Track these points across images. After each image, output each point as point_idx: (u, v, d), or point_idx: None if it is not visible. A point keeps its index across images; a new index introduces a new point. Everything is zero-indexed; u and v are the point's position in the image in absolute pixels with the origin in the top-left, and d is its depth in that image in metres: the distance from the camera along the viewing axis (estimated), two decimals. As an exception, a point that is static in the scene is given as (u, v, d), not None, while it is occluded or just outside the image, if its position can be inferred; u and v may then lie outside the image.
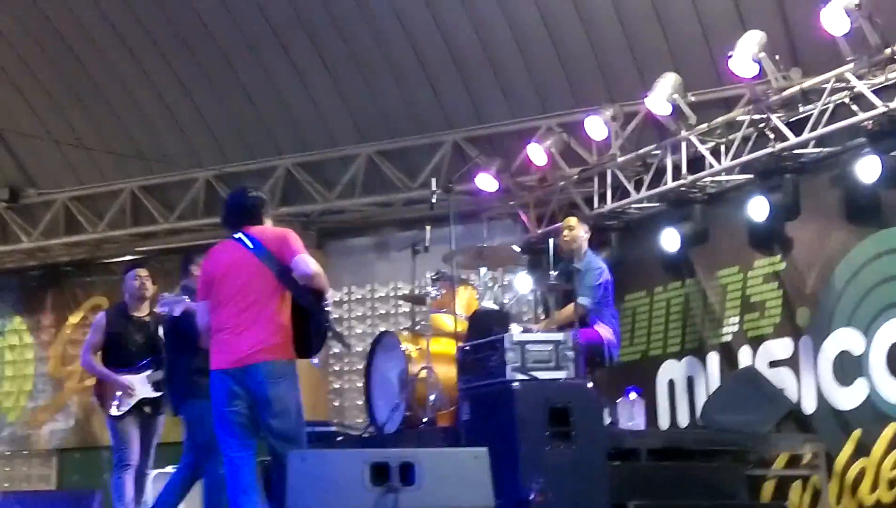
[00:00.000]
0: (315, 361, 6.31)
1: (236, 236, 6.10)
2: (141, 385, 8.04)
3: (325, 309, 6.01)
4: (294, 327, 6.00)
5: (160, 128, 12.88)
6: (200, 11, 11.73)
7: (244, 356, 5.90)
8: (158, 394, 8.05)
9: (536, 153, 10.67)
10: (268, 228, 6.18)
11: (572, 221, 8.79)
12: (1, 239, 14.06)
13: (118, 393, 8.02)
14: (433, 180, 9.32)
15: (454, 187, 8.92)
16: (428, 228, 8.68)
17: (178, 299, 7.00)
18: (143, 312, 8.29)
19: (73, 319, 13.93)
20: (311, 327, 5.98)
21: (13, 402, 14.05)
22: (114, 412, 8.02)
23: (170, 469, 9.87)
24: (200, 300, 6.20)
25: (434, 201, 8.80)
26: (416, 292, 8.98)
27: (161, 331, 8.12)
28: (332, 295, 6.50)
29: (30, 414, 13.93)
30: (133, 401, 8.02)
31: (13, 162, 13.75)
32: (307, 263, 5.92)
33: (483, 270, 8.64)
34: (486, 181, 10.87)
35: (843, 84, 8.38)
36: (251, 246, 6.01)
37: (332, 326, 6.10)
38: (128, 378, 8.03)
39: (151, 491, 8.58)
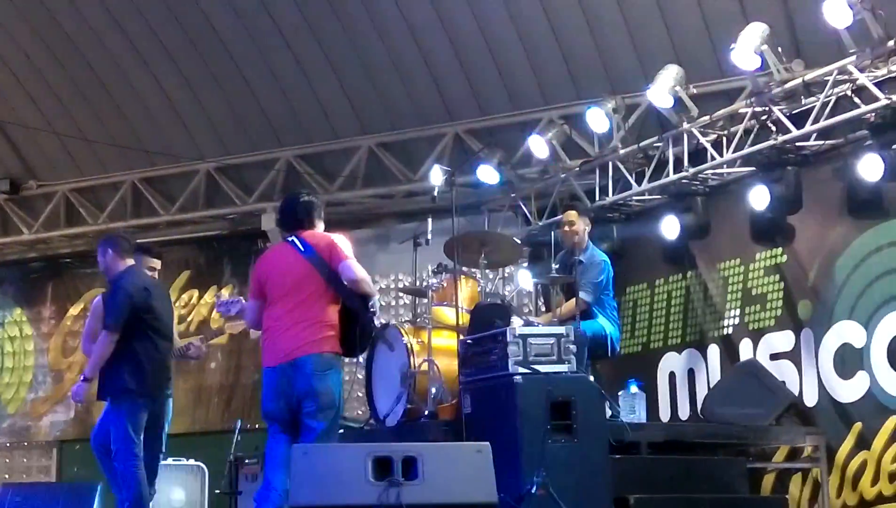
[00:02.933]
0: (360, 359, 7.07)
1: (289, 239, 6.49)
2: None
3: (371, 312, 6.39)
4: (341, 328, 6.36)
5: (161, 120, 12.86)
6: (203, 3, 11.71)
7: (292, 351, 6.25)
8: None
9: (538, 145, 10.65)
10: (319, 232, 6.56)
11: (573, 214, 8.75)
12: (1, 231, 14.07)
13: None
14: (434, 172, 9.32)
15: (455, 179, 8.88)
16: (429, 220, 8.68)
17: (234, 300, 7.11)
18: None
19: (74, 310, 13.94)
20: (356, 328, 6.36)
21: (13, 393, 14.07)
22: None
23: (170, 460, 9.92)
24: (251, 299, 6.59)
25: (436, 193, 8.80)
26: (417, 284, 8.97)
27: None
28: (378, 299, 6.87)
29: (30, 405, 13.94)
30: None
31: (14, 154, 13.75)
32: (353, 268, 6.32)
33: (483, 262, 8.63)
34: (488, 173, 10.86)
35: (846, 76, 8.37)
36: (302, 249, 6.39)
37: (376, 328, 6.63)
38: None
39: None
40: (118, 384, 7.30)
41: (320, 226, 6.62)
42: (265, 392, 6.38)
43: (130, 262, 7.60)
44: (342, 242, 6.45)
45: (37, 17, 12.34)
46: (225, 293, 7.70)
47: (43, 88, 13.01)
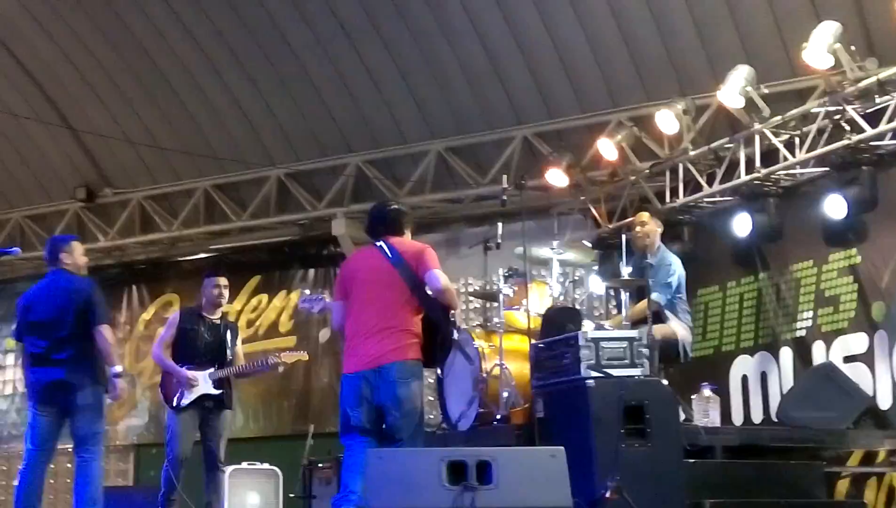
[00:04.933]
0: (439, 371, 7.11)
1: (377, 243, 6.50)
2: (203, 381, 8.21)
3: (453, 323, 6.44)
4: (422, 337, 6.36)
5: (233, 127, 13.01)
6: (272, 10, 11.82)
7: (377, 358, 6.24)
8: (219, 391, 8.24)
9: (607, 148, 10.62)
10: (407, 240, 6.60)
11: (644, 216, 8.74)
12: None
13: (181, 386, 8.19)
14: (504, 177, 9.33)
15: (525, 183, 8.88)
16: (499, 224, 8.69)
17: (317, 297, 7.22)
18: (215, 315, 8.50)
19: (146, 315, 14.14)
20: (437, 339, 6.39)
21: (90, 398, 14.25)
22: (176, 403, 8.20)
23: (245, 464, 10.07)
24: (337, 300, 6.60)
25: (505, 197, 8.79)
26: (488, 288, 8.98)
27: (230, 335, 8.41)
28: (459, 311, 6.95)
29: (107, 410, 14.09)
30: (194, 395, 8.18)
31: (90, 162, 13.99)
32: (439, 279, 6.36)
33: (555, 266, 8.63)
34: (557, 176, 10.84)
35: (921, 74, 8.25)
36: (390, 255, 6.41)
37: (456, 340, 6.63)
38: (191, 373, 8.20)
39: (227, 487, 8.79)
40: None
41: (408, 234, 6.66)
42: (347, 399, 6.33)
43: (53, 267, 8.00)
44: (430, 252, 6.48)
45: (110, 27, 12.54)
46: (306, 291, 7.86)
47: (117, 97, 13.21)
